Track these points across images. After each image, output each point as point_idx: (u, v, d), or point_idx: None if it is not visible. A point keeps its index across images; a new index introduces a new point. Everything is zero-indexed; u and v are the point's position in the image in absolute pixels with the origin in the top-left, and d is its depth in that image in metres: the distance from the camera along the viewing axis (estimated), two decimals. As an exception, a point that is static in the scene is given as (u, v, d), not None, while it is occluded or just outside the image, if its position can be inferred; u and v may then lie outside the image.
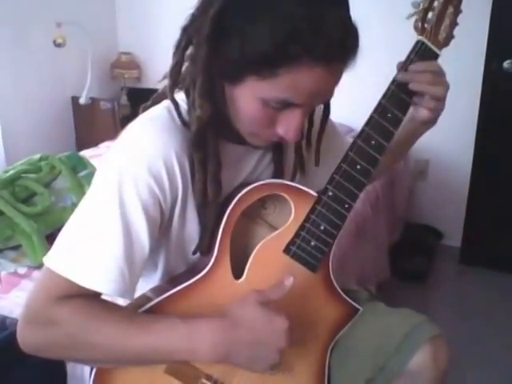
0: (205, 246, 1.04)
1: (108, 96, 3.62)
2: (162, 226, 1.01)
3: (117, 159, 0.96)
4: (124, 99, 3.71)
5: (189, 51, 0.98)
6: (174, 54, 0.98)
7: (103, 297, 0.98)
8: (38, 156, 2.17)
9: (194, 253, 1.06)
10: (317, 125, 1.14)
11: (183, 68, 0.99)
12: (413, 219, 3.24)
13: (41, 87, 3.30)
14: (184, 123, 0.99)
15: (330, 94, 0.97)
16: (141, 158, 0.94)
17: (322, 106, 1.09)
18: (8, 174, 2.00)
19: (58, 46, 3.22)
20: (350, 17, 0.91)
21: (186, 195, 1.01)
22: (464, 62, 2.78)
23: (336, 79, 0.93)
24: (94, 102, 3.48)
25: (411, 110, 1.07)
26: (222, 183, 1.00)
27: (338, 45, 0.87)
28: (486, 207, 3.06)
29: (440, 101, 1.05)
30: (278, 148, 1.14)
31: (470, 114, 2.95)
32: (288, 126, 0.95)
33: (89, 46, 3.36)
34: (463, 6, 1.07)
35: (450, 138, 3.05)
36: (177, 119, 1.00)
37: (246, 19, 0.87)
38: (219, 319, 0.94)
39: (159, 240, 1.04)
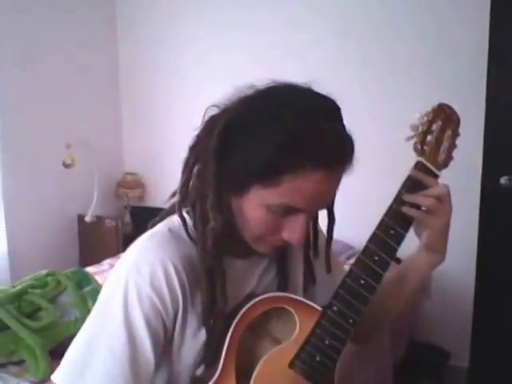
0: (210, 358, 1.04)
1: (112, 214, 3.68)
2: (164, 340, 1.01)
3: (121, 275, 0.99)
4: (127, 217, 3.77)
5: (195, 169, 1.03)
6: (183, 171, 1.04)
7: None
8: (44, 272, 2.19)
9: (199, 365, 1.06)
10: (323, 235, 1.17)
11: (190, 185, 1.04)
12: (418, 338, 3.17)
13: (47, 205, 3.36)
14: (191, 238, 1.03)
15: (332, 197, 1.02)
16: (143, 273, 0.97)
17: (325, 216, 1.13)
18: (15, 289, 2.03)
19: (66, 166, 3.32)
20: (343, 127, 0.98)
21: (186, 308, 1.02)
22: (461, 180, 2.82)
23: (336, 182, 0.98)
24: (99, 219, 3.54)
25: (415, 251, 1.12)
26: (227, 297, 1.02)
27: (337, 150, 0.94)
28: (493, 324, 2.99)
29: (435, 216, 1.06)
30: (282, 261, 1.16)
31: (470, 231, 2.97)
32: (292, 231, 0.98)
33: (96, 166, 3.46)
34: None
35: (451, 255, 2.99)
36: (177, 234, 1.03)
37: (249, 134, 0.94)
38: None
39: (161, 355, 1.04)
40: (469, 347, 3.11)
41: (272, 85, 1.00)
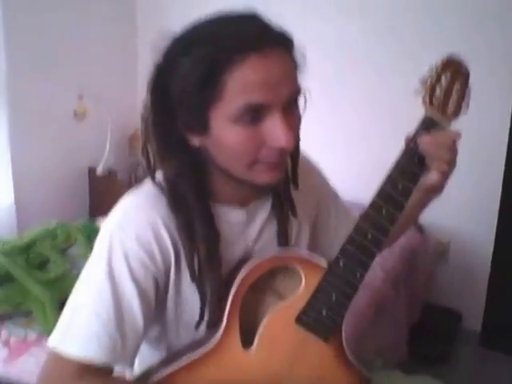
0: (210, 320, 1.04)
1: (124, 168, 3.64)
2: (157, 297, 1.01)
3: (106, 234, 0.99)
4: (141, 172, 3.72)
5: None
6: (142, 142, 1.03)
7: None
8: (54, 223, 2.19)
9: (197, 327, 1.05)
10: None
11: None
12: (432, 301, 3.17)
13: (58, 156, 3.32)
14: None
15: (288, 81, 0.96)
16: (129, 230, 0.97)
17: None
18: (23, 241, 2.02)
19: (78, 117, 3.29)
20: (262, 19, 0.97)
21: (179, 263, 1.01)
22: (485, 147, 2.80)
23: (280, 66, 0.93)
24: (110, 173, 3.49)
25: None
26: (218, 252, 1.02)
27: (256, 32, 0.92)
28: (508, 291, 3.00)
29: (447, 164, 1.04)
30: (281, 217, 1.15)
31: (492, 196, 2.94)
32: (275, 133, 0.94)
33: (109, 119, 3.40)
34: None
35: (471, 221, 3.02)
36: (159, 190, 1.03)
37: (174, 78, 0.93)
38: None
39: (158, 312, 1.04)
40: (482, 312, 3.11)
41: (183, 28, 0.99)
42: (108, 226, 1.00)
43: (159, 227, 0.97)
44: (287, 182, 1.11)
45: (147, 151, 1.02)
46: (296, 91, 0.98)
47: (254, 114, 0.92)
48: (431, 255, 3.09)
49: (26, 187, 3.05)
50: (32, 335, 1.84)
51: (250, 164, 0.97)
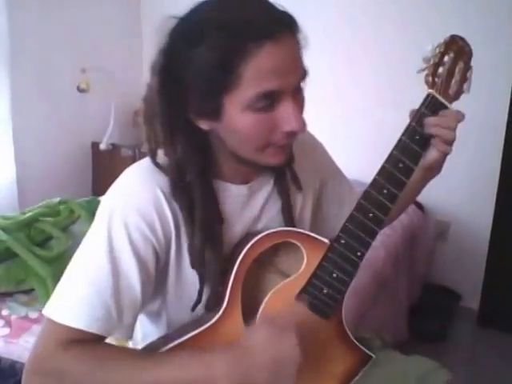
0: (210, 299, 1.04)
1: (129, 143, 3.62)
2: (158, 270, 1.01)
3: (107, 204, 0.99)
4: (145, 147, 3.69)
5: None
6: (144, 124, 1.04)
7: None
8: (56, 199, 2.17)
9: (193, 309, 1.06)
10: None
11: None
12: (431, 280, 3.20)
13: (61, 131, 3.30)
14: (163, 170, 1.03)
15: (298, 66, 0.97)
16: (130, 201, 0.97)
17: None
18: (25, 216, 2.00)
19: (81, 91, 3.26)
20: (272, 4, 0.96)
21: (180, 236, 1.02)
22: (486, 125, 2.80)
23: (291, 51, 0.94)
24: (114, 148, 3.47)
25: None
26: (220, 230, 1.03)
27: (271, 19, 0.92)
28: (505, 270, 3.01)
29: (449, 145, 1.06)
30: (284, 192, 1.15)
31: (491, 176, 2.94)
32: (288, 118, 0.95)
33: (112, 93, 3.38)
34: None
35: (471, 201, 3.04)
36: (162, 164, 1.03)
37: (187, 51, 0.92)
38: (232, 348, 0.94)
39: (158, 287, 1.04)
40: (480, 290, 3.13)
41: (189, 8, 0.97)
42: (109, 196, 1.00)
43: (161, 200, 0.98)
44: (291, 157, 1.12)
45: (149, 132, 1.02)
46: (304, 74, 0.99)
47: (267, 101, 0.93)
48: (431, 234, 3.11)
49: (28, 163, 3.04)
50: (33, 314, 1.84)
51: (260, 148, 0.98)
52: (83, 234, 2.02)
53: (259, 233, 1.04)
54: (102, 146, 3.42)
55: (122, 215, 0.96)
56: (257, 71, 0.90)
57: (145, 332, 1.17)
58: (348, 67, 3.09)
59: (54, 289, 1.78)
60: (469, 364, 2.76)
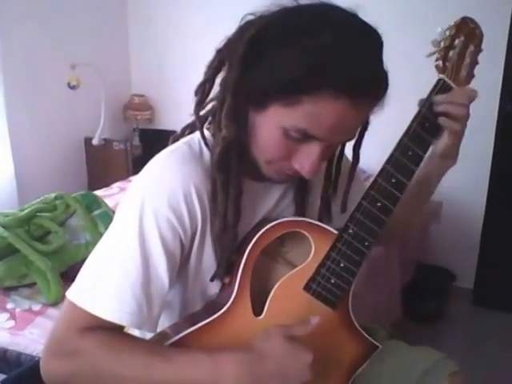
0: (222, 274, 1.04)
1: (120, 137, 3.64)
2: (181, 260, 1.00)
3: (138, 193, 0.97)
4: (136, 140, 3.75)
5: (219, 76, 0.99)
6: (205, 73, 1.00)
7: (131, 332, 0.98)
8: (53, 195, 2.18)
9: (212, 279, 1.05)
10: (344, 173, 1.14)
11: (212, 93, 1.01)
12: (426, 260, 3.22)
13: (54, 128, 3.33)
14: (208, 147, 1.01)
15: (351, 132, 0.97)
16: (161, 192, 0.95)
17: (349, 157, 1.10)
18: (24, 213, 2.02)
19: (72, 88, 3.26)
20: (381, 60, 0.92)
21: (205, 228, 1.01)
22: (478, 103, 2.79)
23: (359, 117, 0.93)
24: (106, 142, 3.50)
25: (431, 148, 1.07)
26: (241, 212, 1.00)
27: (365, 82, 0.87)
28: (499, 249, 3.04)
29: (461, 123, 1.03)
30: (300, 188, 1.14)
31: (484, 156, 2.97)
32: (305, 160, 0.94)
33: (102, 88, 3.40)
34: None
35: (463, 180, 3.02)
36: (197, 152, 1.01)
37: (280, 45, 0.89)
38: (244, 352, 0.93)
39: (177, 275, 1.03)
40: (474, 270, 3.17)
41: (315, 2, 0.93)
42: (140, 185, 0.98)
43: (191, 191, 0.96)
44: (328, 184, 1.12)
45: (204, 91, 1.00)
46: (351, 139, 0.99)
47: (302, 137, 0.91)
48: (424, 215, 3.12)
49: (25, 161, 3.07)
50: (36, 306, 1.86)
51: (268, 161, 0.98)
52: (80, 228, 2.08)
53: (268, 223, 1.02)
54: (95, 141, 3.47)
55: (153, 205, 0.94)
56: (315, 112, 0.88)
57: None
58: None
59: (54, 281, 1.86)
60: (464, 342, 2.80)
